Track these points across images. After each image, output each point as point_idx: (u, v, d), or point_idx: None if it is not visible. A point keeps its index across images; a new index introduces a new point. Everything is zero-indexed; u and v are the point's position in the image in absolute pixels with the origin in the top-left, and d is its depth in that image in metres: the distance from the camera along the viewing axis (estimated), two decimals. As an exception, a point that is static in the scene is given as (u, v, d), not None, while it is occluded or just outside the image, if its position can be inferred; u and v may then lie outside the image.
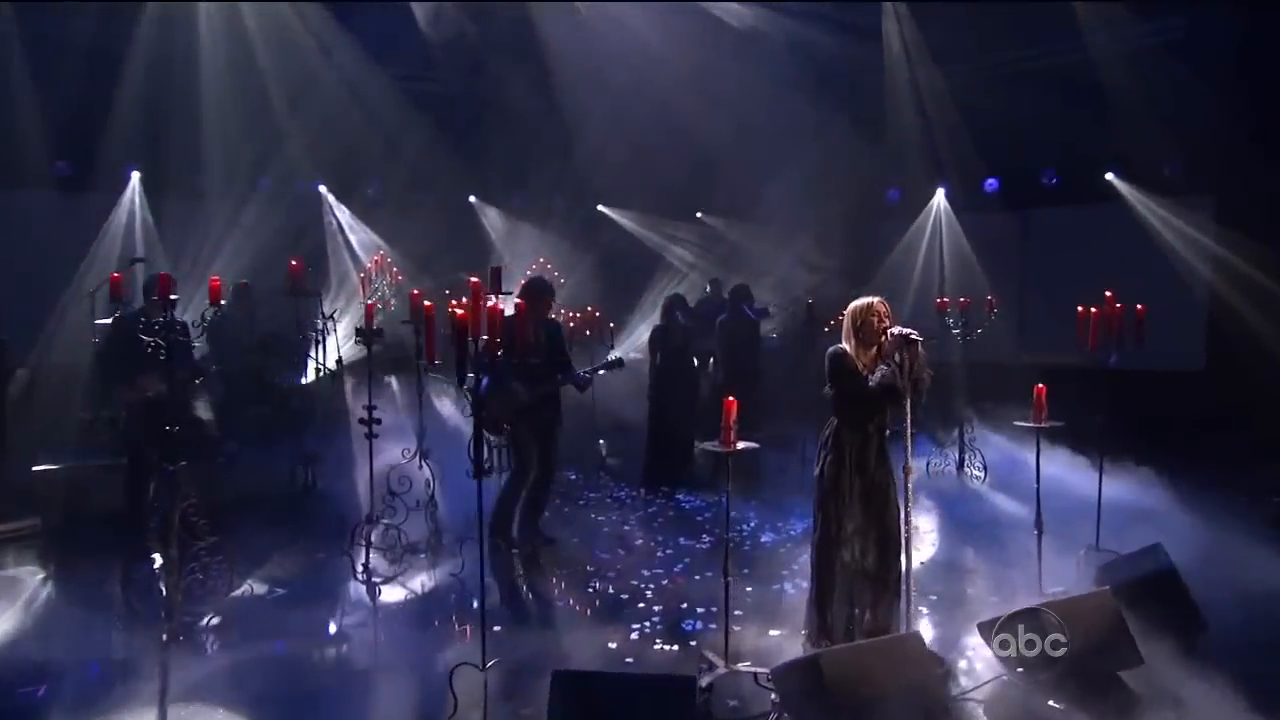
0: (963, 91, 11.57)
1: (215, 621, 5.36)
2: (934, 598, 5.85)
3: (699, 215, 13.91)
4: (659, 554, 6.86)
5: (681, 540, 7.16)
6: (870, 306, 4.91)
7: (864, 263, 12.64)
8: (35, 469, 7.28)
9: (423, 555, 6.47)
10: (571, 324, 9.36)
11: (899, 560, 4.66)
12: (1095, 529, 5.97)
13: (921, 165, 12.27)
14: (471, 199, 12.80)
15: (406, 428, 7.02)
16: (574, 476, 9.12)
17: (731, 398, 4.52)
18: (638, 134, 11.47)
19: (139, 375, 6.52)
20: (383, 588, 6.05)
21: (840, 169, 12.00)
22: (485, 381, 6.63)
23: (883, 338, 4.80)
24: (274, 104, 10.85)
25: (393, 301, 10.02)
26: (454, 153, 11.85)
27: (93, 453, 7.27)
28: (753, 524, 7.50)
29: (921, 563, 5.89)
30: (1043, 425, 5.53)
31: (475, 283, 6.47)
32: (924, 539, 7.06)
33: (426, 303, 4.82)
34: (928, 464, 8.83)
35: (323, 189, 11.83)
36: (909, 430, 4.61)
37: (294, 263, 7.20)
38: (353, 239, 11.69)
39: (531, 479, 6.94)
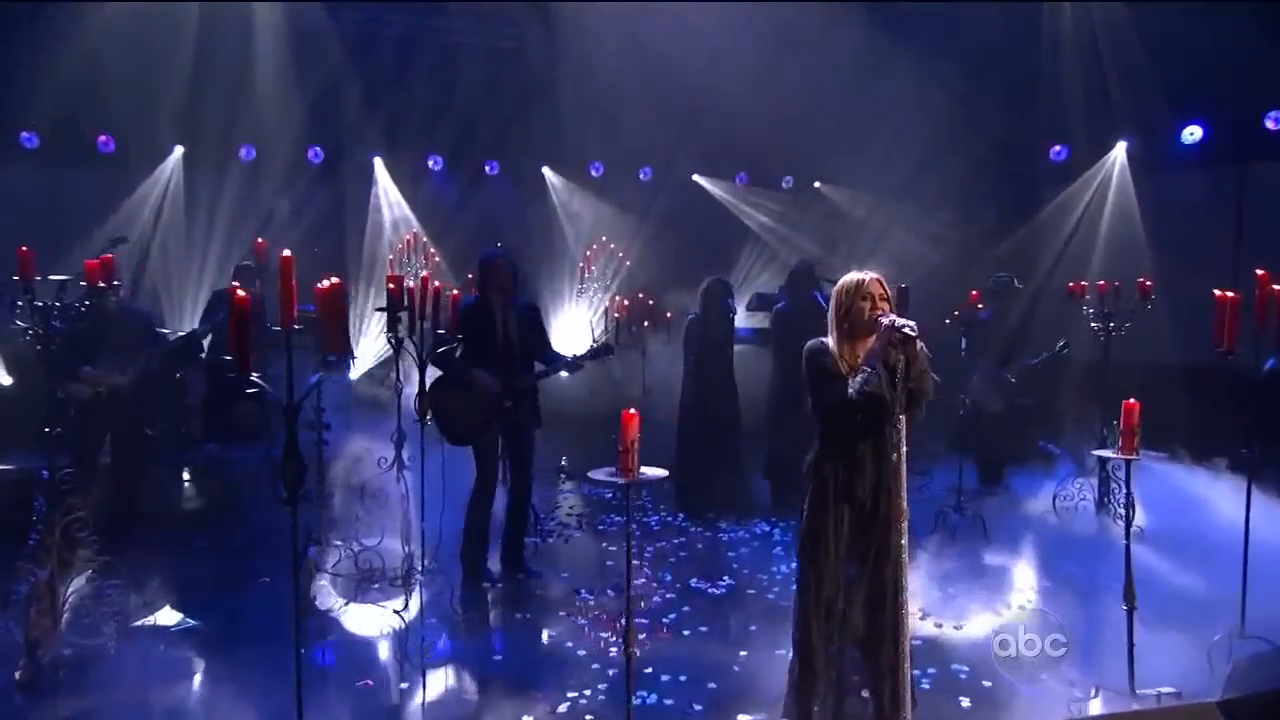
0: (1149, 22, 9.93)
1: (95, 657, 5.00)
2: (987, 684, 4.78)
3: (817, 185, 12.89)
4: (655, 598, 6.07)
5: (693, 582, 6.34)
6: (859, 286, 3.98)
7: (996, 234, 11.18)
8: None
9: (376, 587, 5.97)
10: (617, 315, 8.65)
11: (904, 631, 3.70)
12: (1243, 602, 4.80)
13: (1095, 115, 10.72)
14: (545, 170, 12.35)
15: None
16: (609, 495, 8.48)
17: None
18: (737, 99, 10.76)
19: (86, 368, 6.40)
20: (319, 625, 5.58)
21: (985, 125, 10.67)
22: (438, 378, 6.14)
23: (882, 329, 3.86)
24: (329, 63, 10.78)
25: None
26: (524, 119, 11.41)
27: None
28: (795, 564, 6.53)
29: (1000, 639, 4.93)
30: (1132, 457, 4.33)
31: (425, 277, 6.01)
32: (1010, 599, 5.91)
33: (326, 283, 4.19)
34: (1055, 498, 7.54)
35: (378, 160, 11.68)
36: (902, 454, 3.64)
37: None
38: (392, 215, 11.45)
39: (509, 499, 6.35)
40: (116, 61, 10.05)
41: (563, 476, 9.08)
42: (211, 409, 7.93)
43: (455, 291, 6.37)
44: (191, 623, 5.63)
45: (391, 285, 5.98)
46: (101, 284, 5.07)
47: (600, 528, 7.66)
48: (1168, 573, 6.23)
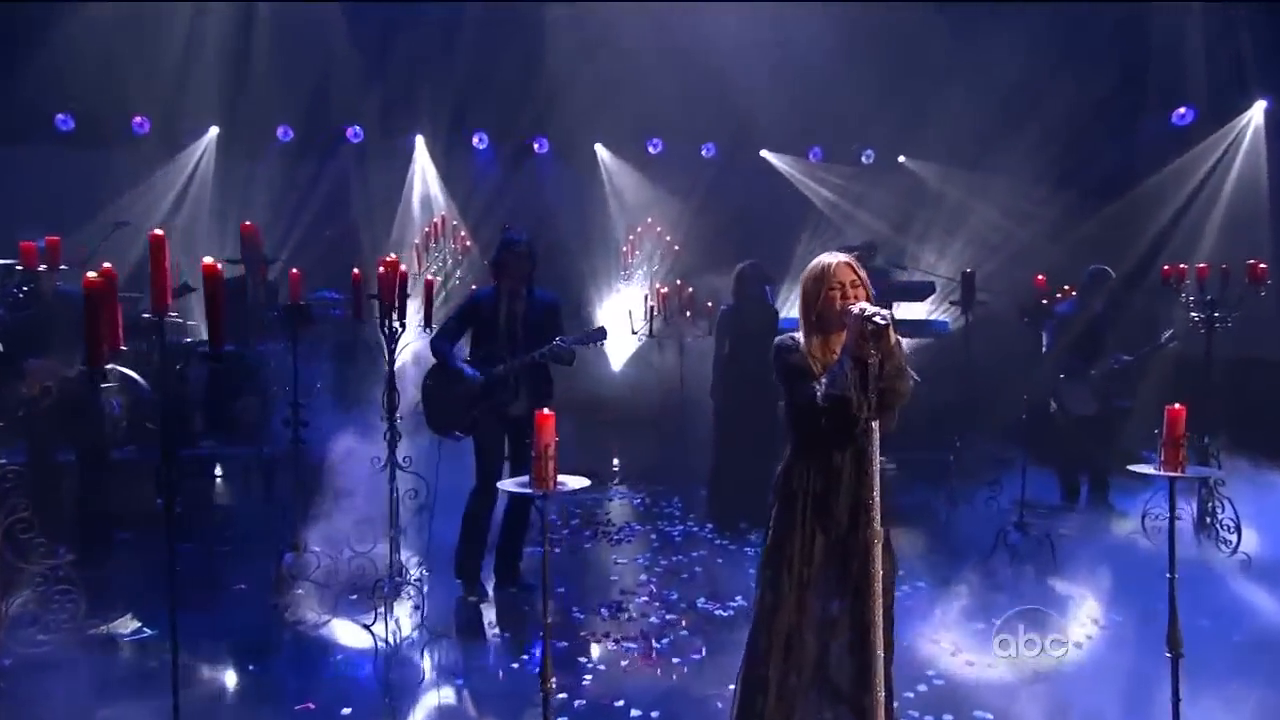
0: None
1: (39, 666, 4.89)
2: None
3: (901, 160, 12.25)
4: (653, 618, 5.69)
5: (700, 602, 5.93)
6: (827, 271, 3.57)
7: (1089, 210, 10.35)
8: None
9: (354, 598, 5.76)
10: (654, 305, 8.29)
11: (884, 673, 3.32)
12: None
13: (1220, 72, 9.84)
14: (598, 147, 12.04)
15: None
16: (638, 501, 8.13)
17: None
18: (811, 67, 10.42)
19: (31, 361, 6.29)
20: (292, 639, 5.43)
21: (1085, 86, 9.90)
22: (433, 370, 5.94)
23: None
24: (368, 39, 10.74)
25: (458, 274, 9.50)
26: (576, 93, 11.12)
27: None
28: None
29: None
30: (1179, 475, 3.74)
31: (393, 260, 5.79)
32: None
33: (206, 260, 3.95)
34: (1143, 517, 6.81)
35: (419, 139, 11.57)
36: (875, 466, 3.28)
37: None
38: (425, 197, 11.32)
39: (507, 503, 6.07)
40: (151, 41, 10.23)
41: (615, 480, 8.75)
42: (211, 403, 7.90)
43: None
44: (148, 631, 5.50)
45: (382, 269, 5.84)
46: (44, 267, 4.97)
47: (617, 537, 7.30)
48: (1272, 611, 5.58)
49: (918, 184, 11.93)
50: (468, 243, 9.67)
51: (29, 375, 6.20)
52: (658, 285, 8.98)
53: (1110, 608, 5.74)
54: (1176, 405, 3.71)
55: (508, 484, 3.47)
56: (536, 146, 11.82)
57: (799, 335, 3.64)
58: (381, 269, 5.42)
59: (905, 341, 10.09)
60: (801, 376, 3.53)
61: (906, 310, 10.05)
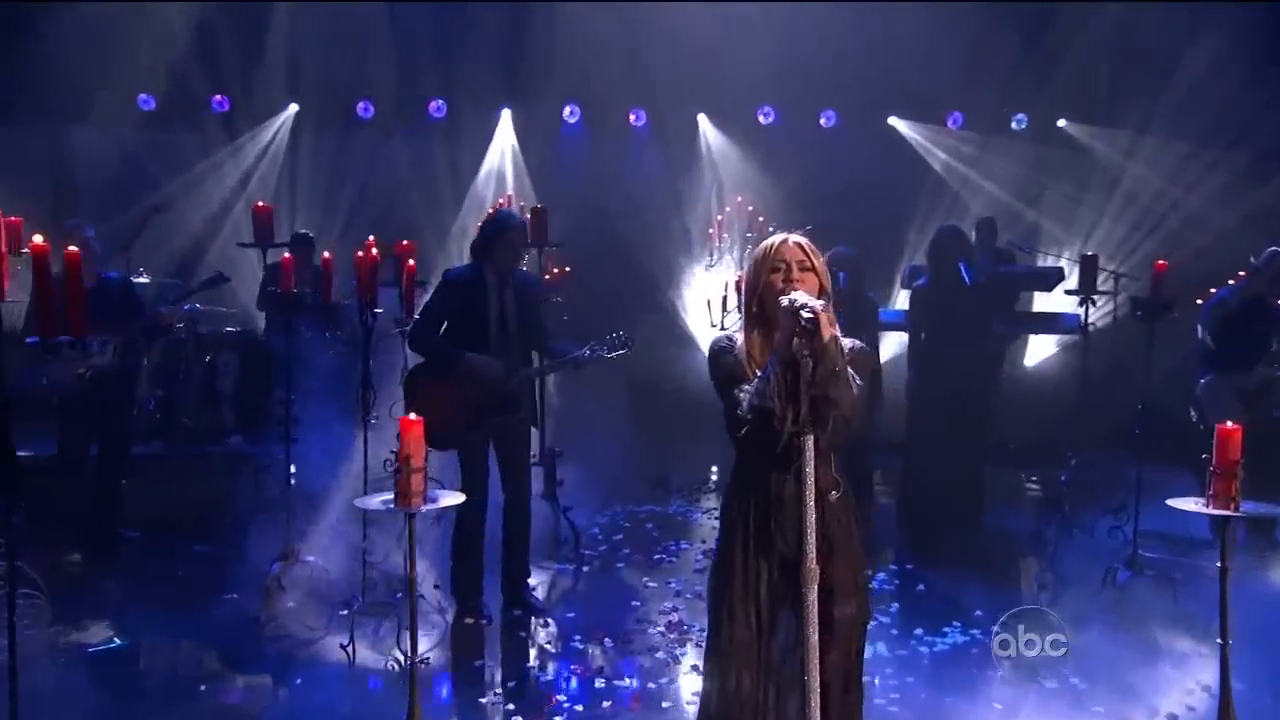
0: None
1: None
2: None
3: (1061, 124, 11.33)
4: (660, 653, 5.28)
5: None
6: (769, 253, 3.16)
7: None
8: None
9: (344, 612, 5.58)
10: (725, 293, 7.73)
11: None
12: None
13: None
14: (700, 117, 11.57)
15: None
16: (698, 515, 7.69)
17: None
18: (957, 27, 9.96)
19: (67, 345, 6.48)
20: (254, 657, 5.28)
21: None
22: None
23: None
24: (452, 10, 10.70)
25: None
26: (681, 60, 10.72)
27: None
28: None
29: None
30: (1233, 513, 3.06)
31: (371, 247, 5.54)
32: (1159, 703, 4.61)
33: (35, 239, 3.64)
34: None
35: (505, 114, 11.42)
36: (809, 489, 2.81)
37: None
38: (493, 172, 11.13)
39: (505, 517, 5.79)
40: (230, 17, 10.48)
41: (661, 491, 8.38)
42: (241, 396, 7.92)
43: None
44: (116, 642, 5.42)
45: (360, 254, 5.66)
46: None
47: (656, 556, 6.88)
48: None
49: (1074, 151, 11.08)
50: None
51: (65, 361, 6.35)
52: (739, 272, 8.42)
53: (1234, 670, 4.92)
54: (1230, 424, 3.03)
55: (367, 501, 3.14)
56: (633, 118, 11.45)
57: (738, 333, 3.22)
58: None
59: (1051, 340, 9.18)
60: (732, 382, 3.11)
61: (1040, 302, 9.23)
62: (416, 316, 5.59)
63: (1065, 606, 5.52)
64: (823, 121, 11.43)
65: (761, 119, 11.44)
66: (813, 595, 2.81)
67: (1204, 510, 3.11)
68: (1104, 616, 5.53)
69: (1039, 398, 8.66)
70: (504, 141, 11.35)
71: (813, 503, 2.81)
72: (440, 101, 11.21)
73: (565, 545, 6.74)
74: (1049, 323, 8.61)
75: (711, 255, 9.33)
